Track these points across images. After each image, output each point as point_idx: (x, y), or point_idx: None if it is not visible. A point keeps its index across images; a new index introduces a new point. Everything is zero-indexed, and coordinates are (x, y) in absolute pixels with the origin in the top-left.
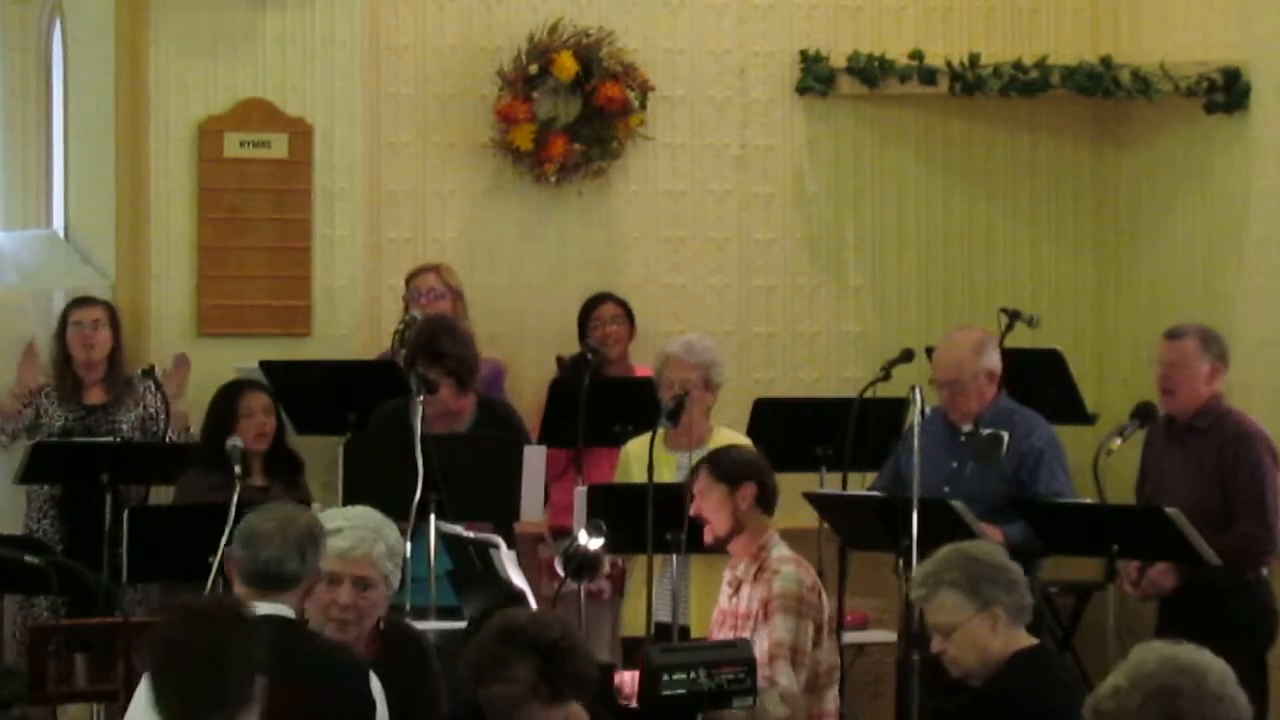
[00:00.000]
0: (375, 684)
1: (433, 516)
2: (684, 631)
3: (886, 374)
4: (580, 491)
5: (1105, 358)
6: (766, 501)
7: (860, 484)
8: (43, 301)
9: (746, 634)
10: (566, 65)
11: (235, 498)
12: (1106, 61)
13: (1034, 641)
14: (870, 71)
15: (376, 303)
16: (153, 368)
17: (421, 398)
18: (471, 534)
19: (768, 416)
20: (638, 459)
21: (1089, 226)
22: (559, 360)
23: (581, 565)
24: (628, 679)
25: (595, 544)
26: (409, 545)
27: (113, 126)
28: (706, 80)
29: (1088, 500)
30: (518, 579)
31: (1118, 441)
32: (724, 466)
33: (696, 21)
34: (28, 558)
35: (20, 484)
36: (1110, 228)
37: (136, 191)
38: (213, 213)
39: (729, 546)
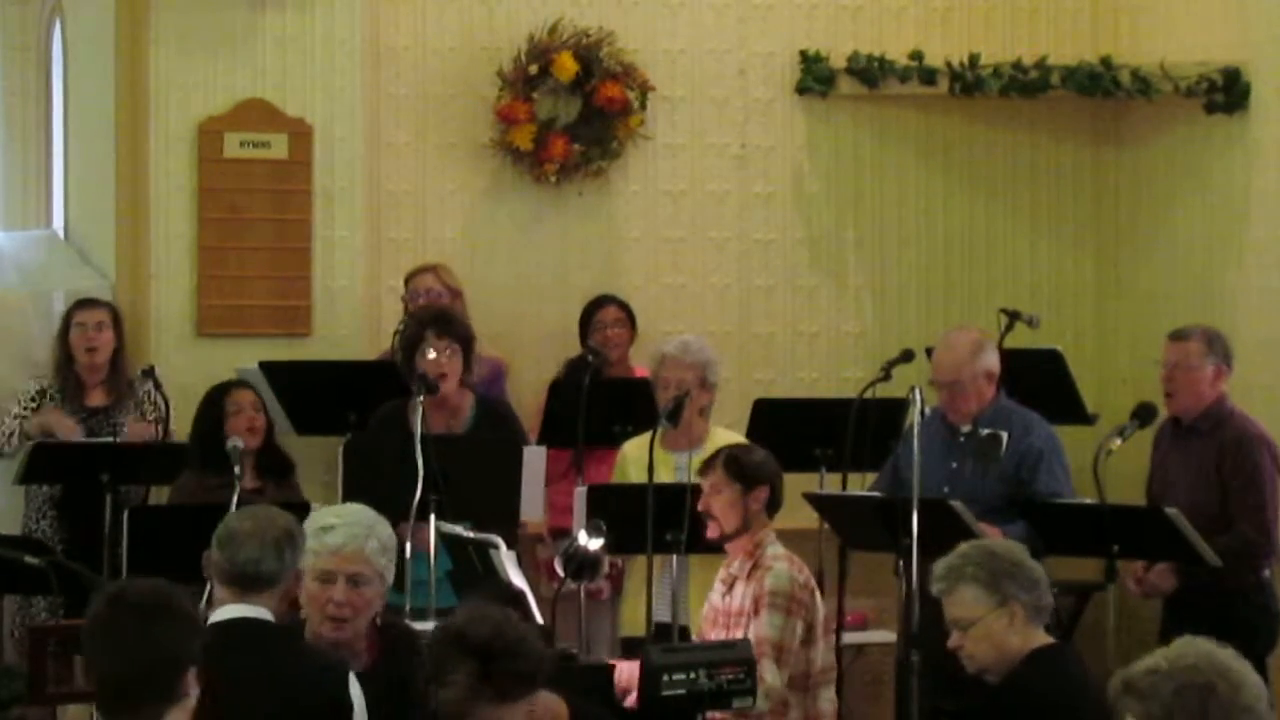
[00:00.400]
0: (354, 686)
1: (433, 517)
2: (684, 632)
3: (886, 374)
4: (580, 492)
5: (1105, 358)
6: (774, 505)
7: (860, 484)
8: (43, 302)
9: (737, 632)
10: (566, 65)
11: (235, 498)
12: (1106, 62)
13: (1052, 640)
14: (870, 72)
15: (376, 303)
16: (153, 368)
17: (421, 398)
18: (471, 534)
19: (767, 417)
20: (634, 460)
21: (1089, 227)
22: (568, 364)
23: (581, 565)
24: (625, 671)
25: (595, 544)
26: (409, 548)
27: (113, 126)
28: (706, 80)
29: (1088, 500)
30: (518, 579)
31: (1117, 442)
32: (742, 467)
33: (696, 21)
34: (28, 558)
35: (20, 484)
36: (1110, 228)
37: (136, 192)
38: (213, 213)
39: (727, 544)
